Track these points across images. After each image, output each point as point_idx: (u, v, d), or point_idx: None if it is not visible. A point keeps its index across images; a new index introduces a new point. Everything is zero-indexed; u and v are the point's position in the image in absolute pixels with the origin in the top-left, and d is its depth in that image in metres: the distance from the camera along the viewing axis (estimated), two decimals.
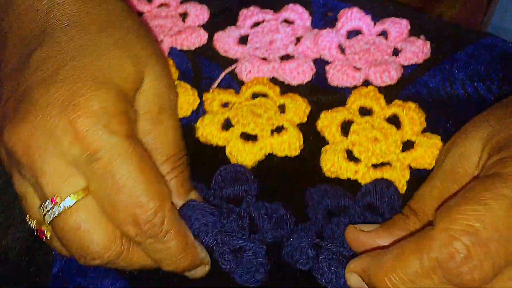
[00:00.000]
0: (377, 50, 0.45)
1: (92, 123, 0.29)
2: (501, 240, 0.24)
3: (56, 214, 0.30)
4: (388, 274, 0.26)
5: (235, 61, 0.46)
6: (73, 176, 0.30)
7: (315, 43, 0.45)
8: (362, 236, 0.31)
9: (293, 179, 0.38)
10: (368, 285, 0.28)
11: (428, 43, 0.45)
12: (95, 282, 0.35)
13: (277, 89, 0.43)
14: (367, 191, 0.37)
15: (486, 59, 0.44)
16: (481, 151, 0.30)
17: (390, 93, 0.42)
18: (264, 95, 0.42)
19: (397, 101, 0.41)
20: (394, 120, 0.40)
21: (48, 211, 0.30)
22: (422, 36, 0.46)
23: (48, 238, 0.32)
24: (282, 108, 0.42)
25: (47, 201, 0.30)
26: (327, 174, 0.38)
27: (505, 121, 0.30)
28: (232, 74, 0.45)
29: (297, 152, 0.39)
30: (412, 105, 0.40)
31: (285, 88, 0.44)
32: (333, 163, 0.38)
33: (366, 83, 0.43)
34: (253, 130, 0.40)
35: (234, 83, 0.45)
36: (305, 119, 0.41)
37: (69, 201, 0.29)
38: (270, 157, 0.40)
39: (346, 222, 0.34)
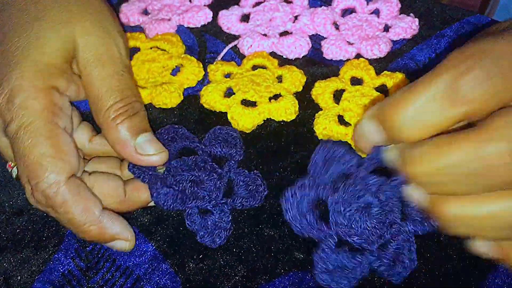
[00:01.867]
0: (369, 27, 0.48)
1: (7, 99, 0.34)
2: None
3: (14, 176, 0.38)
4: (399, 102, 0.26)
5: (237, 37, 0.49)
6: None
7: (312, 20, 0.49)
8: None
9: (289, 141, 0.42)
10: (382, 123, 0.27)
11: (417, 20, 0.48)
12: None
13: (276, 61, 0.46)
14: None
15: (470, 34, 0.48)
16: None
17: (379, 65, 0.46)
18: (264, 67, 0.46)
19: (386, 72, 0.44)
20: (383, 89, 0.44)
21: (10, 171, 0.38)
22: (411, 14, 0.49)
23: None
24: (279, 79, 0.45)
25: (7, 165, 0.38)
26: (320, 136, 0.42)
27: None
28: (235, 48, 0.49)
29: (293, 117, 0.43)
30: (399, 75, 0.44)
31: (283, 62, 0.47)
32: (325, 127, 0.41)
33: (358, 56, 0.47)
34: (253, 97, 0.43)
35: (236, 57, 0.48)
36: (301, 88, 0.45)
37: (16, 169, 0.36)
38: (268, 121, 0.43)
39: (354, 193, 0.32)
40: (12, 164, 0.37)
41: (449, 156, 0.25)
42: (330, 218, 0.32)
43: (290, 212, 0.32)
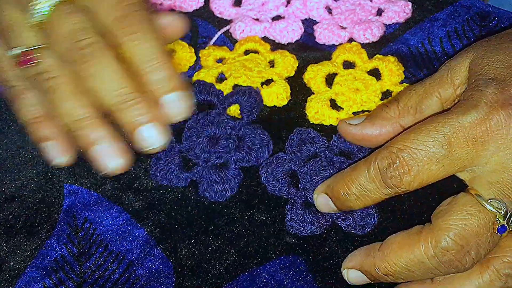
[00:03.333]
0: (361, 11, 0.48)
1: None
2: (426, 159, 0.31)
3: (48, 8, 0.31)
4: (346, 181, 0.33)
5: (229, 21, 0.49)
6: None
7: (304, 4, 0.49)
8: (351, 128, 0.37)
9: (281, 126, 0.42)
10: (332, 198, 0.34)
11: (410, 4, 0.48)
12: (100, 216, 0.38)
13: (268, 46, 0.46)
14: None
15: (464, 18, 0.48)
16: (467, 68, 0.35)
17: (372, 49, 0.46)
18: (256, 52, 0.46)
19: (378, 56, 0.44)
20: (375, 73, 0.43)
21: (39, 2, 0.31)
22: None
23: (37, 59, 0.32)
24: (272, 63, 0.45)
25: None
26: (312, 120, 0.42)
27: (490, 54, 0.34)
28: (227, 33, 0.48)
29: (285, 102, 0.43)
30: (391, 58, 0.43)
31: (276, 46, 0.47)
32: (317, 110, 0.41)
33: (351, 41, 0.47)
34: (244, 82, 0.43)
35: (228, 42, 0.48)
36: (293, 72, 0.45)
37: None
38: None
39: (320, 166, 0.38)
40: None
41: (360, 172, 0.32)
42: (300, 184, 0.38)
43: (265, 175, 0.38)
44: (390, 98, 0.37)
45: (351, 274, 0.33)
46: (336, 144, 0.39)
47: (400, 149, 0.31)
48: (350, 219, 0.36)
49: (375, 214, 0.36)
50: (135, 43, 0.30)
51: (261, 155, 0.39)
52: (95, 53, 0.30)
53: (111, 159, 0.30)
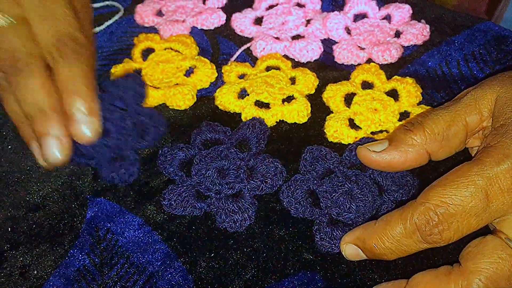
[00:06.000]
0: (380, 32, 0.49)
1: None
2: (465, 215, 0.31)
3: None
4: (380, 236, 0.33)
5: (250, 39, 0.50)
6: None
7: (324, 24, 0.50)
8: (373, 155, 0.36)
9: (300, 144, 0.43)
10: (363, 250, 0.34)
11: (428, 26, 0.49)
12: (122, 228, 0.39)
13: (289, 63, 0.47)
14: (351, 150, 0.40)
15: (481, 42, 0.48)
16: (493, 102, 0.35)
17: (390, 70, 0.47)
18: (277, 68, 0.47)
19: (396, 77, 0.45)
20: (393, 94, 0.44)
21: None
22: (422, 20, 0.50)
23: None
24: (293, 80, 0.46)
25: None
26: (330, 139, 0.42)
27: None
28: (247, 51, 0.49)
29: (305, 120, 0.44)
30: (409, 80, 0.44)
31: (295, 65, 0.48)
32: (336, 129, 0.42)
33: (369, 62, 0.48)
34: (266, 99, 0.44)
35: (248, 59, 0.49)
36: (313, 90, 0.45)
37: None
38: (280, 123, 0.44)
39: (337, 182, 0.38)
40: None
41: (396, 228, 0.32)
42: (321, 203, 0.38)
43: (286, 200, 0.38)
44: (409, 119, 0.37)
45: None
46: (348, 158, 0.40)
47: (437, 205, 0.31)
48: None
49: None
50: (64, 67, 0.35)
51: (276, 182, 0.39)
52: (26, 72, 0.34)
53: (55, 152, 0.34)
